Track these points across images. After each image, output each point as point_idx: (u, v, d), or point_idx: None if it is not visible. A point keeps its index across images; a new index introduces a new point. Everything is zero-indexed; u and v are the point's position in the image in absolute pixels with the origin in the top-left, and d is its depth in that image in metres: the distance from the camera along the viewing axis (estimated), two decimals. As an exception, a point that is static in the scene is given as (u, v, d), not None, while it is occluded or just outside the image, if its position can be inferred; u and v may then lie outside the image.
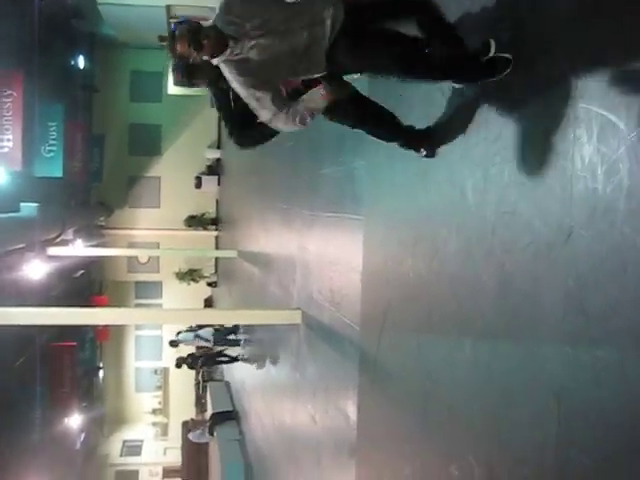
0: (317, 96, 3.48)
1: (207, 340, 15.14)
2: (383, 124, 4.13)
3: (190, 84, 4.01)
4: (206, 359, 16.99)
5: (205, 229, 23.79)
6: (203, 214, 23.76)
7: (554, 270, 2.94)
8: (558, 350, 2.87)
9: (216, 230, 23.68)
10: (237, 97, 3.74)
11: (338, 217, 6.65)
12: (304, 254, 8.34)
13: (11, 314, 7.75)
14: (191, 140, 22.99)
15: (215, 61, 3.47)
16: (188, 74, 3.89)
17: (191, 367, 17.71)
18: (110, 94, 22.91)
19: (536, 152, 3.16)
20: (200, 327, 15.33)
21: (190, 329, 15.67)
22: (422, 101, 4.42)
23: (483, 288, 3.56)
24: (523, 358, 3.18)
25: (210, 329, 14.87)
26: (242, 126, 4.03)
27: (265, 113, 3.50)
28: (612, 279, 2.59)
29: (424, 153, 4.21)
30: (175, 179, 23.30)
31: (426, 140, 4.19)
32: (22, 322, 8.10)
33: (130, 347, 25.66)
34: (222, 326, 15.05)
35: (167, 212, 23.17)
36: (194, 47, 3.30)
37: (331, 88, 3.46)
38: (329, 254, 7.24)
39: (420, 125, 4.21)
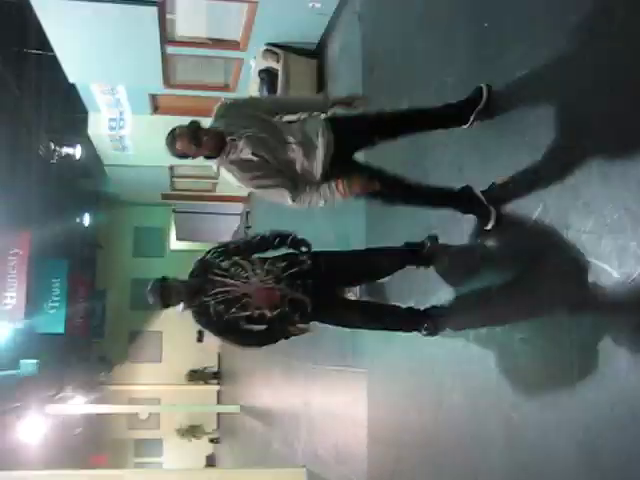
0: (332, 190, 3.51)
1: None
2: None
3: (165, 306, 3.99)
4: None
5: (207, 383, 23.42)
6: (205, 368, 23.48)
7: (563, 422, 2.89)
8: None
9: (218, 384, 23.32)
10: (218, 312, 3.84)
11: (341, 370, 6.59)
12: (308, 409, 8.18)
13: (7, 479, 7.52)
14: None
15: (215, 162, 3.59)
16: (162, 297, 3.91)
17: None
18: (113, 250, 23.29)
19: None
20: None
21: None
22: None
23: (492, 441, 3.47)
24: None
25: None
26: (234, 333, 4.10)
27: (285, 198, 3.57)
28: (621, 427, 2.54)
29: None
30: (176, 333, 23.13)
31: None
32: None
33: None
34: None
35: (168, 366, 22.91)
36: (194, 143, 3.40)
37: (349, 183, 3.49)
38: (333, 409, 7.11)
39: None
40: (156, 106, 12.95)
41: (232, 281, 3.78)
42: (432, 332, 4.07)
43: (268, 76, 8.97)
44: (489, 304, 3.62)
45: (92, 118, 13.52)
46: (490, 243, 3.67)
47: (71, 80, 11.07)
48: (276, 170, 3.55)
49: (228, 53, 10.11)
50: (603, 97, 2.78)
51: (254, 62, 9.47)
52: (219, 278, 3.80)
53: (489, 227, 3.59)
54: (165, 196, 18.75)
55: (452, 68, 4.33)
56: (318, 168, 3.56)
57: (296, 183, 3.56)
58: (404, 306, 4.21)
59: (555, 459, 2.92)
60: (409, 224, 4.66)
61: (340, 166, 3.60)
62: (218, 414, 23.13)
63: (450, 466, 4.00)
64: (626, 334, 2.57)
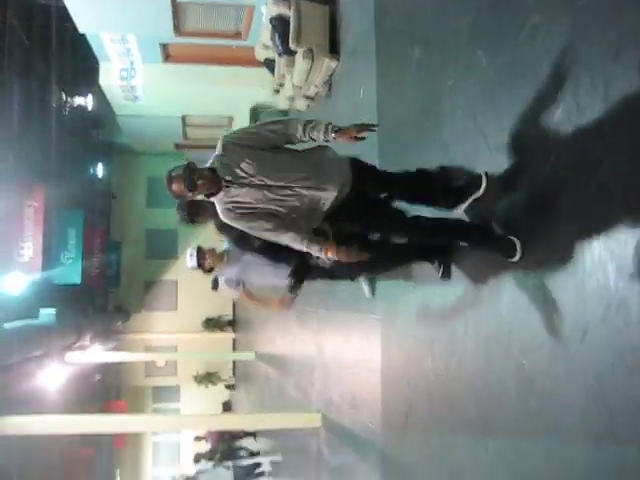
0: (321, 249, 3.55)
1: None
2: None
3: (192, 223, 4.18)
4: (227, 454, 16.71)
5: (222, 331, 23.68)
6: (220, 316, 23.72)
7: (573, 368, 2.93)
8: (583, 450, 2.83)
9: (233, 332, 23.59)
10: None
11: (355, 316, 6.66)
12: (322, 355, 8.29)
13: (28, 423, 7.70)
14: (206, 242, 23.16)
15: (217, 205, 3.58)
16: (190, 214, 4.08)
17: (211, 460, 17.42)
18: (127, 200, 23.41)
19: (549, 253, 3.21)
20: (221, 460, 15.38)
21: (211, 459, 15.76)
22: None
23: (503, 387, 3.53)
24: (548, 458, 3.12)
25: (229, 472, 14.73)
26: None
27: (284, 238, 3.58)
28: (632, 375, 2.58)
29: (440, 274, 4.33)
30: (192, 282, 23.30)
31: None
32: (39, 431, 8.04)
33: (147, 453, 25.16)
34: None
35: (184, 315, 23.16)
36: (189, 188, 3.40)
37: (338, 252, 3.51)
38: (347, 355, 7.20)
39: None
40: (167, 54, 12.85)
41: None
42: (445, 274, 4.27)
43: (280, 23, 8.87)
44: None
45: (103, 68, 13.46)
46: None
47: (81, 30, 10.99)
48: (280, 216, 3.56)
49: (239, 0, 9.98)
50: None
51: (266, 9, 9.35)
52: None
53: (516, 258, 3.48)
54: (178, 146, 18.74)
55: (466, 15, 4.27)
56: (327, 203, 3.56)
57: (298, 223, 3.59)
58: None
59: (565, 405, 2.97)
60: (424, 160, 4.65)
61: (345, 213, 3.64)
62: (234, 361, 23.47)
63: (462, 411, 4.08)
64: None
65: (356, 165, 3.69)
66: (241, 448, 16.34)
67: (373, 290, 5.98)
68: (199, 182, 3.41)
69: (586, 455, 2.80)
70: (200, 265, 5.51)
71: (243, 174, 3.44)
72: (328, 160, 3.63)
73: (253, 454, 15.35)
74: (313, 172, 3.53)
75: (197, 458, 16.63)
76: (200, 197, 3.54)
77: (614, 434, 2.65)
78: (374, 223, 3.87)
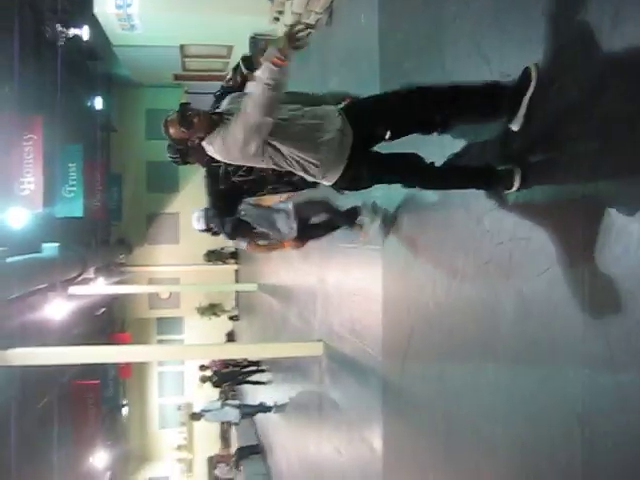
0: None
1: (235, 422, 15.47)
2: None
3: (183, 163, 4.15)
4: (232, 377, 17.07)
5: (225, 263, 23.83)
6: (222, 248, 23.83)
7: (572, 295, 2.96)
8: (580, 373, 2.88)
9: (236, 264, 23.74)
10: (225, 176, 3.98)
11: (356, 247, 6.69)
12: (324, 285, 8.37)
13: (34, 354, 7.84)
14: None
15: (205, 142, 3.50)
16: (181, 154, 4.02)
17: (216, 386, 17.76)
18: (127, 133, 23.22)
19: (550, 181, 3.20)
20: (226, 399, 15.71)
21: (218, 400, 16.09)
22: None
23: (503, 313, 3.57)
24: (545, 382, 3.18)
25: (236, 411, 14.99)
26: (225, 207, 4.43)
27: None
28: (633, 301, 2.60)
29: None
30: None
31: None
32: (45, 362, 8.19)
33: (153, 383, 25.67)
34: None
35: (186, 248, 23.26)
36: (185, 126, 3.38)
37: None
38: (349, 285, 7.26)
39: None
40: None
41: None
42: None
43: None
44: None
45: (98, -5, 13.16)
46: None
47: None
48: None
49: None
50: None
51: None
52: None
53: (514, 188, 3.39)
54: (177, 77, 18.49)
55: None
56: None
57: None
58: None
59: (563, 330, 3.00)
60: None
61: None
62: (236, 293, 23.69)
63: (462, 338, 4.13)
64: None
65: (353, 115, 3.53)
66: (243, 373, 16.65)
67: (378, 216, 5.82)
68: (195, 120, 3.38)
69: (583, 379, 2.85)
70: (208, 229, 5.51)
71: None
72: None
73: (260, 383, 15.64)
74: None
75: (203, 379, 16.97)
76: (200, 139, 3.47)
77: (610, 358, 2.68)
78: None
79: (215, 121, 3.43)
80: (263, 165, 3.58)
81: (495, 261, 3.68)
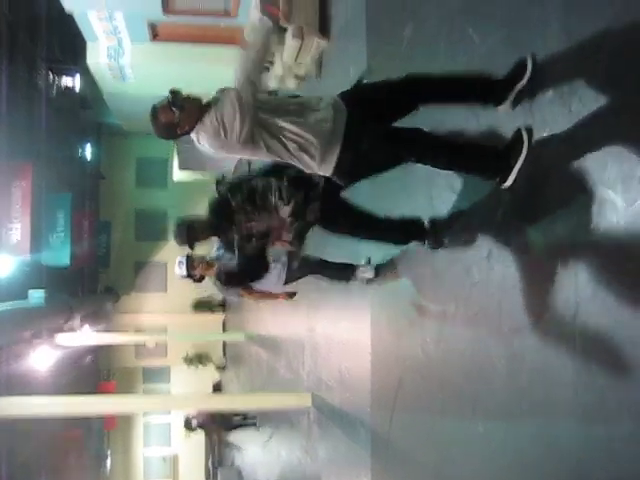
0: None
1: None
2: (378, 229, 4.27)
3: (192, 246, 4.28)
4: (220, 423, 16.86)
5: (212, 312, 23.69)
6: (210, 297, 23.73)
7: (563, 346, 2.93)
8: (572, 427, 2.83)
9: (223, 313, 23.61)
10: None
11: (345, 298, 6.66)
12: (312, 336, 8.31)
13: (18, 404, 7.70)
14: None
15: (193, 134, 3.43)
16: (189, 238, 4.15)
17: (202, 428, 17.52)
18: (116, 181, 23.29)
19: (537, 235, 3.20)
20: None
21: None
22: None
23: (493, 365, 3.53)
24: (538, 434, 3.12)
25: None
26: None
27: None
28: (621, 351, 2.58)
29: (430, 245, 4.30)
30: (182, 263, 23.35)
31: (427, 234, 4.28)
32: (29, 412, 8.02)
33: (138, 434, 25.23)
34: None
35: (174, 296, 23.14)
36: (177, 108, 3.31)
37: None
38: (337, 335, 7.21)
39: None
40: (155, 33, 12.73)
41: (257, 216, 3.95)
42: (434, 246, 4.23)
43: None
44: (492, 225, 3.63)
45: (90, 47, 13.33)
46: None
47: (67, 9, 10.88)
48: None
49: (228, -23, 9.90)
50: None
51: (255, -15, 9.25)
52: (243, 215, 3.91)
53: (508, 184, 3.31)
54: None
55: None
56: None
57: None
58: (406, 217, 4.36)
59: (554, 382, 2.97)
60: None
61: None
62: (224, 342, 23.51)
63: (452, 390, 4.08)
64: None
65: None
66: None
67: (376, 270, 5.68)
68: (185, 103, 3.33)
69: (576, 432, 2.81)
70: (190, 275, 5.43)
71: None
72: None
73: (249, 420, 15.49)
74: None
75: (187, 422, 16.73)
76: (190, 127, 3.38)
77: (603, 410, 2.65)
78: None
79: (205, 107, 3.35)
80: (262, 157, 3.49)
81: (485, 312, 3.66)
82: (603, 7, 2.76)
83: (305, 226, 4.19)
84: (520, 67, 3.25)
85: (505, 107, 3.37)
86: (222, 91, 3.39)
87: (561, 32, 3.04)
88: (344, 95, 3.51)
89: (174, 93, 3.35)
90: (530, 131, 3.21)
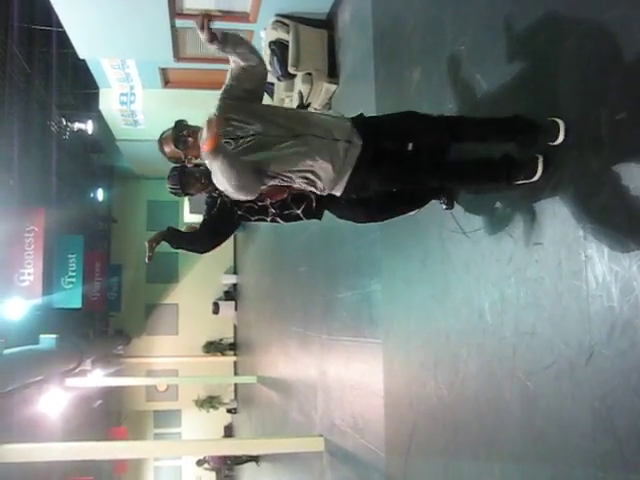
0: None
1: None
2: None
3: (184, 194, 3.98)
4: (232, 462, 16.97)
5: (223, 355, 23.62)
6: (221, 340, 23.69)
7: (579, 390, 2.91)
8: (590, 473, 2.80)
9: (235, 355, 23.52)
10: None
11: (356, 341, 6.63)
12: (325, 379, 8.25)
13: (27, 450, 7.65)
14: (208, 266, 23.23)
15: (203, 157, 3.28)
16: (182, 185, 3.85)
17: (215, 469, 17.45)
18: (128, 224, 23.44)
19: (550, 273, 3.19)
20: None
21: None
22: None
23: (508, 410, 3.51)
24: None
25: None
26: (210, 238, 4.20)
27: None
28: (638, 396, 2.55)
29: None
30: (192, 305, 23.39)
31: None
32: (39, 458, 7.98)
33: (149, 478, 24.97)
34: None
35: (185, 339, 23.11)
36: (180, 147, 3.25)
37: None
38: (350, 378, 7.16)
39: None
40: (167, 80, 12.93)
41: None
42: (449, 205, 4.20)
43: (279, 48, 8.90)
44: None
45: (103, 93, 13.54)
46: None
47: (81, 56, 11.06)
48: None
49: (238, 25, 10.04)
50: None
51: (264, 34, 9.41)
52: None
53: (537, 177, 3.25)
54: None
55: (465, 36, 4.29)
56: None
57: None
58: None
59: (571, 427, 2.94)
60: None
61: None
62: (235, 385, 23.38)
63: (466, 434, 4.04)
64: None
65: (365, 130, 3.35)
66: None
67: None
68: (190, 140, 3.25)
69: (594, 479, 2.77)
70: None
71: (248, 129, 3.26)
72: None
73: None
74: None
75: (200, 461, 16.66)
76: (195, 158, 3.32)
77: (621, 457, 2.62)
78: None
79: None
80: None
81: (499, 356, 3.63)
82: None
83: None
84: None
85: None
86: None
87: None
88: (359, 123, 3.41)
89: (178, 129, 3.30)
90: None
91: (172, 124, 3.40)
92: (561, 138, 3.08)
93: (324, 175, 3.28)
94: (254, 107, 3.34)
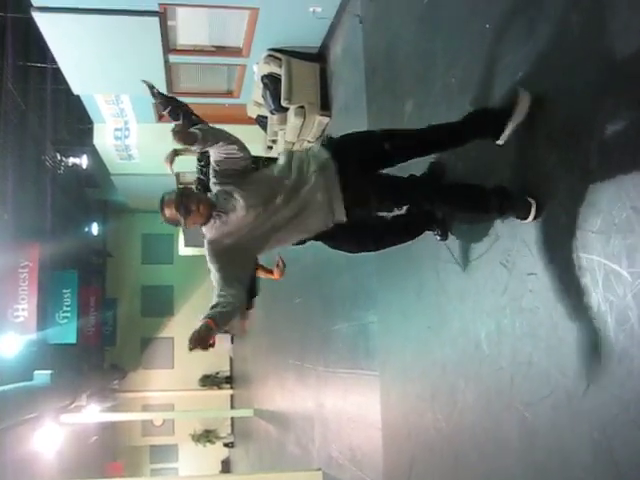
0: None
1: None
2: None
3: (188, 213, 3.89)
4: None
5: (220, 388, 23.45)
6: (217, 373, 23.53)
7: (577, 421, 2.89)
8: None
9: (231, 389, 23.36)
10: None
11: (353, 373, 6.60)
12: (322, 411, 8.20)
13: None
14: (203, 299, 23.05)
15: (203, 229, 3.42)
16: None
17: None
18: (123, 258, 23.39)
19: (544, 303, 3.19)
20: None
21: None
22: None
23: (507, 441, 3.48)
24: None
25: None
26: None
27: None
28: (638, 426, 2.54)
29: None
30: (188, 339, 23.25)
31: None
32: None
33: (145, 515, 24.66)
34: None
35: (181, 372, 22.94)
36: (182, 213, 3.23)
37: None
38: (347, 411, 7.12)
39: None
40: (161, 114, 12.99)
41: None
42: (443, 236, 4.21)
43: (271, 81, 9.00)
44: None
45: (97, 128, 13.59)
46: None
47: (75, 92, 11.13)
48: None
49: (231, 60, 10.15)
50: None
51: (257, 68, 9.50)
52: None
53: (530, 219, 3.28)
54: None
55: (456, 69, 4.35)
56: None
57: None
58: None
59: (570, 458, 2.92)
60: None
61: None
62: (232, 418, 23.17)
63: (465, 466, 4.01)
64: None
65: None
66: None
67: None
68: (193, 208, 3.24)
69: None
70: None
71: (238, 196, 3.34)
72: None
73: None
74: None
75: None
76: (194, 225, 3.34)
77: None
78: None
79: (210, 213, 3.32)
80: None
81: (496, 386, 3.62)
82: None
83: None
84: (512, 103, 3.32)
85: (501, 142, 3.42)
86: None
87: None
88: (329, 144, 3.46)
89: (182, 195, 3.29)
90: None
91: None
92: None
93: (319, 223, 3.36)
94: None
